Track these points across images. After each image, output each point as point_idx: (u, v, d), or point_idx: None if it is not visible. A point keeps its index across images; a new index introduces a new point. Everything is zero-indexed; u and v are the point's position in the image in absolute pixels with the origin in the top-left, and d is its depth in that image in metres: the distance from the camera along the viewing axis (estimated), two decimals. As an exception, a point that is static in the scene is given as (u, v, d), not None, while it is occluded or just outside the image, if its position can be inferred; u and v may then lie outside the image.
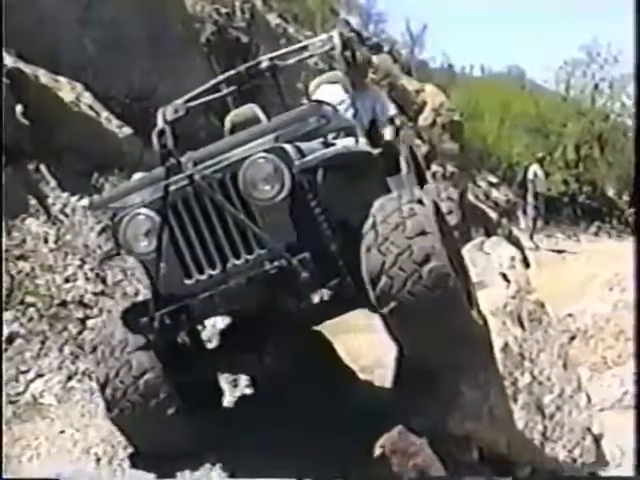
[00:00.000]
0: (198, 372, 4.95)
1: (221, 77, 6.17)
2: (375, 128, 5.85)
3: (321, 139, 4.70)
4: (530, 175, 18.85)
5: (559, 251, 18.40)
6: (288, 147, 4.31)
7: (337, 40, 5.59)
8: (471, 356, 4.81)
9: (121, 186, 5.16)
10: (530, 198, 18.72)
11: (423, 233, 4.16)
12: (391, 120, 6.02)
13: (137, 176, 5.41)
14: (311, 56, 6.26)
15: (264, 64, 5.92)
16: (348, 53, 5.69)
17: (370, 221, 4.30)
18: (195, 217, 4.31)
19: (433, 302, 4.12)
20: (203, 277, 4.34)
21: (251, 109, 6.11)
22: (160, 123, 5.70)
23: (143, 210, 4.37)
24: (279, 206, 4.26)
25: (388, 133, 5.87)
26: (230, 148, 4.46)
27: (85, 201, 7.27)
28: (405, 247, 4.12)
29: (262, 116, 5.96)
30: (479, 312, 4.91)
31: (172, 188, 4.23)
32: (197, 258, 4.35)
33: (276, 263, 4.18)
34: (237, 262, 4.30)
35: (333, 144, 4.77)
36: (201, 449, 4.73)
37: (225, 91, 6.10)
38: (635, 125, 15.27)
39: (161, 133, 4.26)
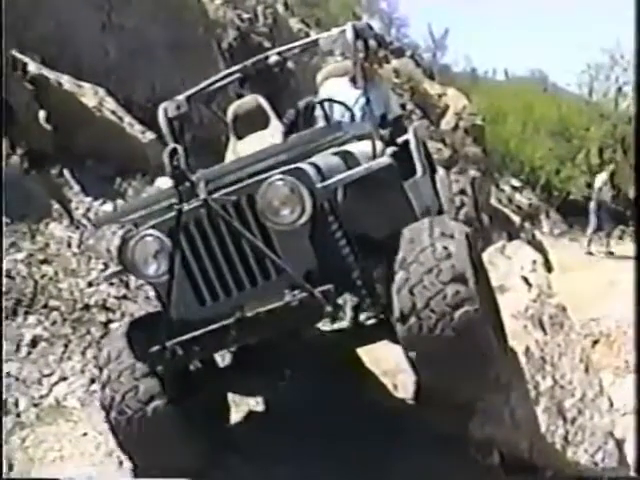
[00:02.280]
0: (207, 393, 4.67)
1: (225, 72, 5.99)
2: (387, 123, 5.58)
3: (334, 148, 4.49)
4: (598, 184, 18.44)
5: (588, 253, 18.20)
6: (308, 168, 4.03)
7: (350, 32, 5.32)
8: (494, 392, 4.71)
9: (127, 204, 4.99)
10: (594, 206, 18.28)
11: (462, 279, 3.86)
12: (397, 119, 5.83)
13: (159, 182, 5.40)
14: (314, 46, 5.95)
15: (272, 59, 5.74)
16: (360, 42, 5.42)
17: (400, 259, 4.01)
18: (208, 240, 4.03)
19: (460, 342, 3.81)
20: (217, 303, 4.06)
21: (255, 99, 5.81)
22: (162, 120, 5.63)
23: (151, 231, 4.09)
24: (299, 231, 3.97)
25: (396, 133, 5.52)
26: (244, 166, 4.12)
27: (108, 206, 7.31)
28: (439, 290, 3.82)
29: (266, 106, 5.73)
30: (505, 341, 4.74)
31: (184, 209, 3.94)
32: (211, 283, 4.06)
33: (297, 295, 3.89)
34: (253, 288, 4.02)
35: (347, 151, 4.57)
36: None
37: (225, 81, 5.88)
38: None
39: (173, 153, 3.89)
